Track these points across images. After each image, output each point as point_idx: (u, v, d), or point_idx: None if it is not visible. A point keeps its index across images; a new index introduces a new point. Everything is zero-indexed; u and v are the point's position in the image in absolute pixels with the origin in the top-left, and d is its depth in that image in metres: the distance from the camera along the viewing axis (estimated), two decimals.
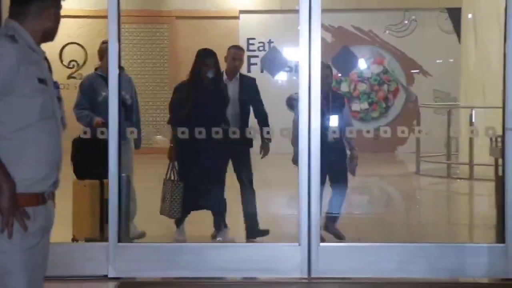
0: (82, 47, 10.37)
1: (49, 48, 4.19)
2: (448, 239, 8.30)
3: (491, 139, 8.45)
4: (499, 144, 7.73)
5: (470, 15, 11.94)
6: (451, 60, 13.92)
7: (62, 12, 3.98)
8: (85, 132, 7.23)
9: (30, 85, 3.90)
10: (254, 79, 8.15)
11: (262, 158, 7.87)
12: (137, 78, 9.64)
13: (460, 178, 11.53)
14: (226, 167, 7.93)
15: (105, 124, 6.86)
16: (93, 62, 8.46)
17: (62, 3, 4.06)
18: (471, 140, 10.83)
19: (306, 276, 6.45)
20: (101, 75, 7.49)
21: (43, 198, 3.78)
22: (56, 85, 4.38)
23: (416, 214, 9.10)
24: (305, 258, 6.43)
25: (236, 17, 12.86)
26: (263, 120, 7.81)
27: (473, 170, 10.93)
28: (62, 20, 3.96)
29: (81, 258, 6.54)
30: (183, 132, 6.92)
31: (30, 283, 3.76)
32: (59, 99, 4.29)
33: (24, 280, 3.71)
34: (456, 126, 12.02)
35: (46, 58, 4.25)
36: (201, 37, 9.94)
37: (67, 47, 10.41)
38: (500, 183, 7.44)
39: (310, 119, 6.37)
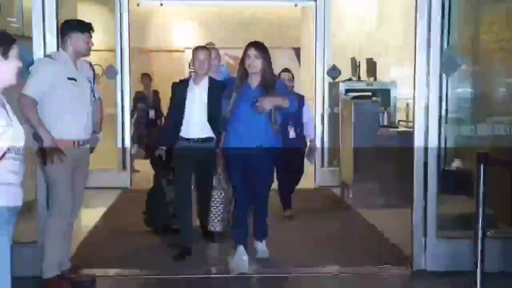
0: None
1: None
2: None
3: None
4: None
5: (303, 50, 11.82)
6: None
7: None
8: None
9: (64, 81, 4.63)
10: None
11: None
12: None
13: None
14: None
15: None
16: None
17: (92, 34, 4.63)
18: None
19: None
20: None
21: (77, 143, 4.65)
22: (89, 81, 4.88)
23: None
24: None
25: (183, 51, 12.32)
26: None
27: None
28: None
29: None
30: None
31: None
32: (92, 90, 4.90)
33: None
34: None
35: (92, 68, 5.05)
36: (157, 64, 10.25)
37: None
38: None
39: None
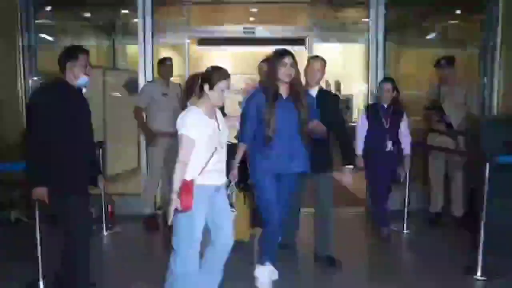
0: None
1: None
2: None
3: None
4: None
5: None
6: None
7: None
8: None
9: (159, 95, 4.47)
10: None
11: None
12: None
13: None
14: None
15: None
16: None
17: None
18: None
19: None
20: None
21: None
22: (177, 95, 4.45)
23: None
24: None
25: None
26: None
27: None
28: None
29: None
30: None
31: None
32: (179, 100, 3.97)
33: None
34: None
35: (180, 87, 4.59)
36: None
37: None
38: None
39: None
